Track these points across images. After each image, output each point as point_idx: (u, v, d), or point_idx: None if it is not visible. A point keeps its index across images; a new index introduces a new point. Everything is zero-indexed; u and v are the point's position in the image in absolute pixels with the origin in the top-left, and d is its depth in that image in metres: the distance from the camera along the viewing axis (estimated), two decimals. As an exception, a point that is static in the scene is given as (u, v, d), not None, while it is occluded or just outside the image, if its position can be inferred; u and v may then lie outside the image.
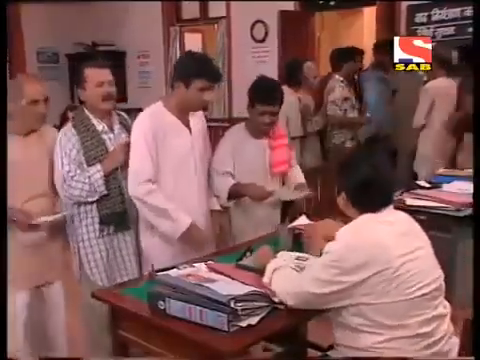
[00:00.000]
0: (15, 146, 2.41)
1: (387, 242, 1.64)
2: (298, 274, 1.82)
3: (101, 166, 2.49)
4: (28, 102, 2.44)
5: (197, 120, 2.61)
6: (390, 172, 1.82)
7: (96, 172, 2.47)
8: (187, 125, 2.53)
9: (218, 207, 2.72)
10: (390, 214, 1.77)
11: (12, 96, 2.39)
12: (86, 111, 2.57)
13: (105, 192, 2.50)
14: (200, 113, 2.67)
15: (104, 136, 2.57)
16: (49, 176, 2.55)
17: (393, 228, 1.70)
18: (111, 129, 2.60)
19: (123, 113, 2.73)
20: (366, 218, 1.74)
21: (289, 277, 1.80)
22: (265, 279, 1.84)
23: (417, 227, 1.81)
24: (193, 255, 2.41)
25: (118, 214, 2.54)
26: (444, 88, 4.27)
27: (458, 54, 4.48)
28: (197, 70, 2.37)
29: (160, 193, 2.44)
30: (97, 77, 2.52)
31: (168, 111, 2.48)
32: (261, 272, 1.94)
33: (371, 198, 1.74)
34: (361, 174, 1.74)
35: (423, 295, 1.65)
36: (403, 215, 1.83)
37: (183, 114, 2.50)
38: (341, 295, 1.65)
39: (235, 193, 2.68)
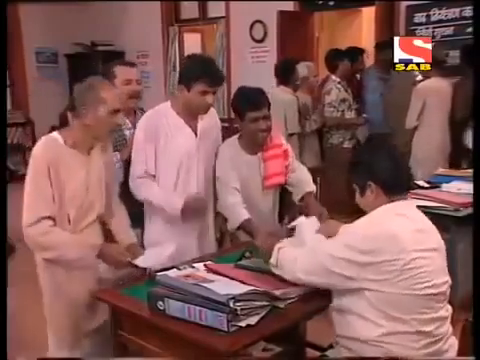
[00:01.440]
0: (79, 170, 2.11)
1: (402, 234, 1.65)
2: (309, 249, 1.84)
3: (120, 154, 2.62)
4: (109, 111, 2.08)
5: (208, 123, 2.58)
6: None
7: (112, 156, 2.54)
8: (193, 127, 2.52)
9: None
10: (409, 209, 1.78)
11: (88, 102, 2.06)
12: None
13: (121, 179, 2.57)
14: (214, 116, 2.66)
15: (126, 132, 2.69)
16: (104, 197, 2.27)
17: (410, 223, 1.71)
18: (134, 126, 2.67)
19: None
20: (384, 210, 1.74)
21: (299, 252, 1.83)
22: (272, 260, 1.88)
23: (434, 228, 1.80)
24: (193, 251, 2.47)
25: (132, 214, 2.57)
26: (436, 88, 4.27)
27: (460, 54, 4.49)
28: (197, 74, 2.37)
29: (151, 187, 2.47)
30: (126, 75, 2.62)
31: (174, 111, 2.49)
32: (261, 271, 1.95)
33: (402, 177, 1.78)
34: (390, 155, 1.79)
35: (430, 295, 1.65)
36: (422, 214, 1.83)
37: (189, 116, 2.50)
38: (351, 273, 1.65)
39: (244, 228, 2.51)
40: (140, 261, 2.15)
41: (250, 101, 2.52)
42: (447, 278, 1.76)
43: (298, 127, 4.68)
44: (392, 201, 1.75)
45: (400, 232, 1.65)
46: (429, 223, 1.80)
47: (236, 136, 2.67)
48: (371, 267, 1.62)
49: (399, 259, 1.61)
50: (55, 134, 2.13)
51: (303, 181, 2.74)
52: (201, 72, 2.37)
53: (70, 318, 2.18)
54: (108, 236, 2.36)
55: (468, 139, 4.16)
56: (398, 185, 1.76)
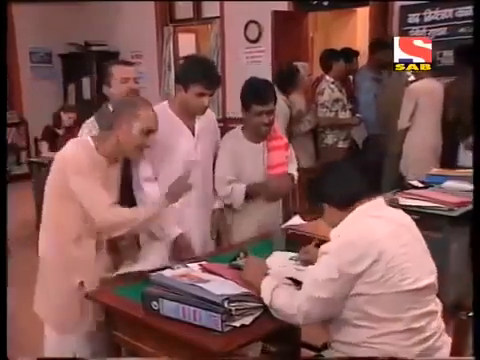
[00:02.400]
0: (105, 177, 2.17)
1: (378, 234, 1.67)
2: (302, 289, 1.76)
3: None
4: (142, 129, 2.15)
5: (205, 123, 2.59)
6: (359, 165, 1.90)
7: None
8: (191, 127, 2.53)
9: (218, 206, 2.69)
10: (381, 209, 1.81)
11: (124, 116, 2.15)
12: (110, 106, 2.61)
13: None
14: (211, 116, 2.67)
15: None
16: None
17: (384, 221, 1.73)
18: None
19: None
20: (356, 214, 1.77)
21: (294, 294, 1.74)
22: (264, 297, 1.77)
23: (410, 222, 1.83)
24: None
25: None
26: (428, 89, 4.28)
27: (454, 55, 4.50)
28: (195, 75, 2.38)
29: (156, 196, 2.46)
30: (123, 73, 2.61)
31: (172, 112, 2.49)
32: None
33: (353, 191, 1.80)
34: (338, 174, 1.86)
35: (416, 289, 1.66)
36: (395, 210, 1.86)
37: (186, 116, 2.50)
38: (347, 290, 1.64)
39: (250, 193, 2.66)
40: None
41: (257, 94, 2.57)
42: (432, 269, 1.77)
43: (284, 132, 4.66)
44: (350, 209, 1.78)
45: (376, 233, 1.67)
46: (405, 218, 1.83)
47: (239, 127, 2.73)
48: (362, 275, 1.63)
49: (381, 260, 1.62)
50: (88, 138, 2.21)
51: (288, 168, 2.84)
52: (198, 74, 2.38)
53: (78, 307, 2.16)
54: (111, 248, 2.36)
55: (463, 159, 4.16)
56: (350, 200, 1.80)
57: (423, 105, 4.27)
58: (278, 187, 2.72)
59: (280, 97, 4.65)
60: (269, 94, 2.60)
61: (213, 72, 2.47)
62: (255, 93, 2.58)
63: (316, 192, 1.92)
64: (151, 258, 2.28)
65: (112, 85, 2.60)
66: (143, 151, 2.24)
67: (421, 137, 4.32)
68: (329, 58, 4.97)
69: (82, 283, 2.14)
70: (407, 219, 1.83)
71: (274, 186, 2.69)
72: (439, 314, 1.77)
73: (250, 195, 2.65)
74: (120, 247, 2.37)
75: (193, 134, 2.53)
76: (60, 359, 2.21)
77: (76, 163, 2.09)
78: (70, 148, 2.16)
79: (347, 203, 1.80)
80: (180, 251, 2.40)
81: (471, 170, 3.67)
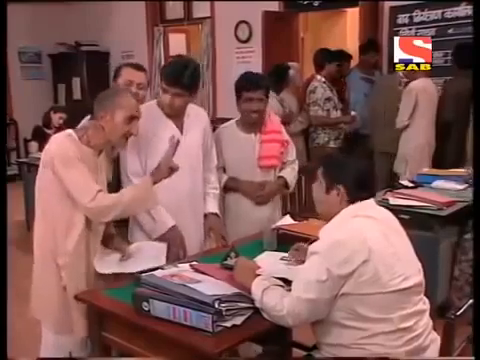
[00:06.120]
0: (93, 167, 2.15)
1: (367, 234, 1.68)
2: (291, 290, 1.76)
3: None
4: (125, 117, 2.14)
5: (194, 121, 2.59)
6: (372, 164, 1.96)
7: None
8: (179, 125, 2.54)
9: (212, 210, 2.68)
10: (370, 208, 1.81)
11: (107, 106, 2.13)
12: None
13: (109, 179, 2.51)
14: (201, 115, 2.69)
15: None
16: None
17: (373, 221, 1.74)
18: None
19: None
20: (346, 213, 1.77)
21: (284, 295, 1.74)
22: (254, 298, 1.77)
23: (397, 222, 1.84)
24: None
25: None
26: (426, 88, 4.32)
27: (453, 55, 4.53)
28: (170, 78, 2.41)
29: None
30: (129, 76, 2.63)
31: (160, 109, 2.51)
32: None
33: (368, 185, 1.83)
34: (360, 163, 1.85)
35: (405, 289, 1.67)
36: (381, 209, 1.87)
37: (173, 114, 2.51)
38: (336, 290, 1.64)
39: (229, 188, 2.83)
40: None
41: (247, 81, 2.72)
42: (419, 268, 1.79)
43: None
44: (355, 202, 1.78)
45: (365, 233, 1.68)
46: (391, 218, 1.85)
47: (235, 119, 2.86)
48: (351, 275, 1.63)
49: (370, 260, 1.63)
50: (70, 131, 2.19)
51: (283, 172, 2.91)
52: (173, 77, 2.41)
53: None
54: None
55: None
56: (363, 192, 1.80)
57: (421, 104, 4.29)
58: (252, 190, 2.78)
59: (271, 95, 4.66)
60: (260, 82, 2.73)
61: (185, 77, 2.43)
62: (246, 80, 2.73)
63: (339, 169, 1.84)
64: (143, 261, 2.24)
65: (118, 84, 2.61)
66: (128, 139, 2.23)
67: (417, 136, 4.34)
68: (323, 58, 4.96)
69: (65, 288, 2.13)
70: (392, 218, 1.85)
71: (248, 188, 2.78)
72: (427, 312, 1.77)
73: (230, 188, 2.81)
74: (110, 237, 2.33)
75: (182, 132, 2.53)
76: (59, 359, 2.20)
77: (62, 154, 2.08)
78: (54, 142, 2.15)
79: (360, 194, 1.78)
80: (172, 244, 2.40)
81: (460, 170, 3.72)
